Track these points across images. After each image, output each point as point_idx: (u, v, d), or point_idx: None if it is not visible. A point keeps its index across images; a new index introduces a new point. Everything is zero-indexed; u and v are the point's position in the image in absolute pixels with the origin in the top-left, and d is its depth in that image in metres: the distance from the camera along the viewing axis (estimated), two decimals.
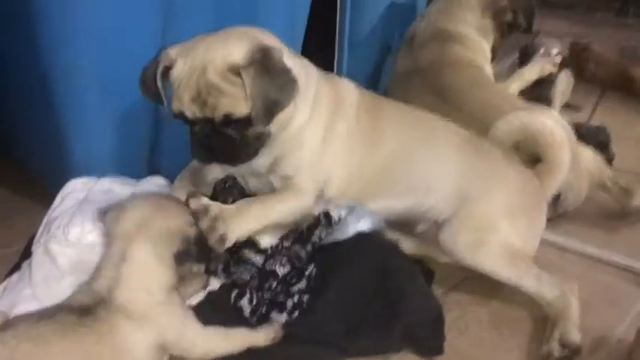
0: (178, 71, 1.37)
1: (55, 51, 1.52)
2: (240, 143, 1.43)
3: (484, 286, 1.59)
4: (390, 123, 1.70)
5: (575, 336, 1.42)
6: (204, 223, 1.38)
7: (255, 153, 1.47)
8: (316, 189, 1.57)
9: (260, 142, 1.46)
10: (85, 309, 1.15)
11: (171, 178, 1.70)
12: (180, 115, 1.41)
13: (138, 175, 1.73)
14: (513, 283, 1.55)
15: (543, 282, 1.53)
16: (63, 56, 1.52)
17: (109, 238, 1.28)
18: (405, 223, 1.72)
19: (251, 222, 1.46)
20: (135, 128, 1.74)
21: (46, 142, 1.77)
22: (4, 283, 1.41)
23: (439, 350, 1.42)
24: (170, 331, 1.22)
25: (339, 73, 2.32)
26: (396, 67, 2.42)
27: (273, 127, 1.46)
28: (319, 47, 2.25)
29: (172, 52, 1.39)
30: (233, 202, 1.54)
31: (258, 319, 1.39)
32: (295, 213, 1.53)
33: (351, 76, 2.05)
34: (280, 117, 1.44)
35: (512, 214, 1.62)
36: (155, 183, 1.68)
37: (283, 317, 1.37)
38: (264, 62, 1.36)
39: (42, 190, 1.86)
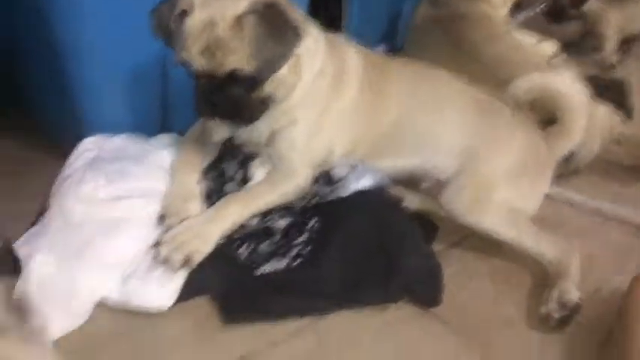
0: (192, 21, 1.35)
1: (65, 6, 1.54)
2: (243, 104, 1.43)
3: (486, 243, 1.60)
4: (395, 86, 1.70)
5: (573, 295, 1.44)
6: (166, 248, 1.39)
7: (256, 117, 1.46)
8: (312, 167, 1.59)
9: (264, 105, 1.47)
10: None
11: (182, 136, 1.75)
12: (187, 65, 1.39)
13: (150, 133, 1.78)
14: (513, 242, 1.56)
15: (542, 241, 1.54)
16: (73, 12, 1.54)
17: None
18: (409, 181, 1.75)
19: (228, 221, 1.47)
20: (146, 86, 1.77)
21: (59, 102, 1.83)
22: (24, 236, 1.50)
23: (436, 301, 1.45)
24: None
25: (347, 28, 2.31)
26: (416, 19, 2.41)
27: (277, 91, 1.46)
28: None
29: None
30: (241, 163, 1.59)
31: (255, 266, 1.44)
32: (287, 195, 1.55)
33: (362, 31, 2.05)
34: (284, 80, 1.45)
35: (515, 175, 1.63)
36: (165, 141, 1.73)
37: (283, 263, 1.42)
38: (265, 12, 1.34)
39: (56, 147, 1.91)
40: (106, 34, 1.61)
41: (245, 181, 1.61)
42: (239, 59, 1.35)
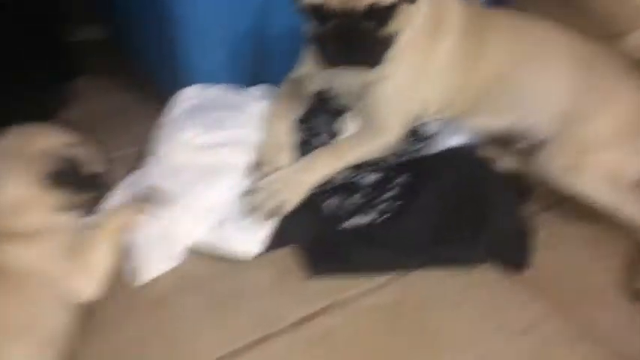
0: None
1: None
2: (374, 41, 1.41)
3: (580, 208, 1.54)
4: (495, 40, 1.62)
5: None
6: (260, 195, 1.43)
7: (382, 56, 1.44)
8: (404, 124, 1.56)
9: (389, 42, 1.44)
10: None
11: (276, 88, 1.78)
12: (317, 8, 1.37)
13: (245, 84, 1.82)
14: (611, 209, 1.48)
15: None
16: None
17: None
18: (503, 141, 1.69)
19: (319, 173, 1.49)
20: (246, 41, 1.81)
21: (162, 51, 1.90)
22: (128, 179, 1.60)
23: (523, 265, 1.42)
24: (52, 258, 1.18)
25: None
26: None
27: (399, 29, 1.44)
28: None
29: None
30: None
31: (341, 219, 1.46)
32: (377, 151, 1.55)
33: None
34: (404, 19, 1.43)
35: (622, 135, 1.52)
36: (259, 93, 1.77)
37: (369, 218, 1.44)
38: None
39: (155, 96, 2.01)
40: None
41: (334, 135, 1.63)
42: None
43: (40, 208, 1.20)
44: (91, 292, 1.22)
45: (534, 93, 1.60)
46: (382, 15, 1.38)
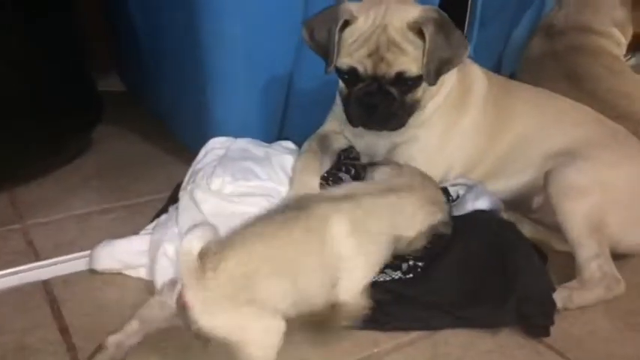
0: (359, 27, 1.45)
1: (211, 19, 1.65)
2: (398, 106, 1.49)
3: None
4: (518, 110, 1.70)
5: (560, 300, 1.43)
6: None
7: (405, 121, 1.52)
8: None
9: (413, 109, 1.53)
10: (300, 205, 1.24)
11: (297, 145, 1.81)
12: (349, 71, 1.47)
13: (268, 140, 1.85)
14: (571, 244, 1.51)
15: (595, 262, 1.47)
16: (219, 25, 1.65)
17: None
18: (521, 200, 1.72)
19: None
20: (271, 97, 1.86)
21: (189, 104, 1.95)
22: (154, 222, 1.59)
23: (546, 331, 1.41)
24: None
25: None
26: (530, 52, 2.41)
27: (424, 98, 1.53)
28: None
29: (353, 7, 1.46)
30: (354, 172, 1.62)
31: None
32: None
33: (476, 57, 2.07)
34: (430, 89, 1.52)
35: (631, 198, 1.56)
36: (285, 147, 1.79)
37: (397, 275, 1.43)
38: (440, 20, 1.44)
39: (177, 146, 2.08)
40: (245, 45, 1.71)
41: None
42: (408, 60, 1.44)
43: None
44: None
45: (553, 153, 1.64)
46: (409, 83, 1.47)
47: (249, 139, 1.77)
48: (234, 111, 1.81)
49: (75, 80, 2.00)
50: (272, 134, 1.91)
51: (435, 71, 1.45)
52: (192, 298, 1.05)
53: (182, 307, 1.06)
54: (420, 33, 1.43)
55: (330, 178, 1.66)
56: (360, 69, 1.46)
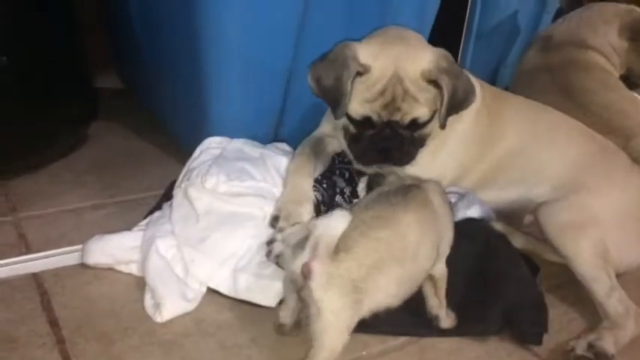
0: (373, 78, 1.45)
1: (209, 18, 1.65)
2: (410, 144, 1.53)
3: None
4: (510, 120, 1.72)
5: (608, 346, 1.38)
6: (279, 247, 1.43)
7: (416, 155, 1.56)
8: None
9: (423, 143, 1.56)
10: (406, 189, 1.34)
11: (292, 147, 1.82)
12: (363, 119, 1.49)
13: (264, 141, 1.86)
14: (584, 282, 1.50)
15: (614, 296, 1.46)
16: (216, 23, 1.65)
17: None
18: (512, 215, 1.74)
19: None
20: (267, 98, 1.86)
21: (185, 104, 1.95)
22: (148, 218, 1.59)
23: (538, 340, 1.42)
24: None
25: (462, 66, 2.34)
26: (523, 64, 2.42)
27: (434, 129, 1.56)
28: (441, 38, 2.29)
29: (362, 57, 1.45)
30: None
31: None
32: None
33: (473, 69, 2.09)
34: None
35: (623, 221, 1.58)
36: (280, 148, 1.80)
37: None
38: (452, 69, 1.48)
39: (173, 144, 2.08)
40: (242, 46, 1.70)
41: (354, 196, 1.65)
42: (422, 107, 1.47)
43: None
44: None
45: (545, 169, 1.67)
46: (420, 125, 1.51)
47: (244, 140, 1.78)
48: (231, 111, 1.81)
49: (71, 75, 1.99)
50: (268, 135, 1.92)
51: (448, 115, 1.50)
52: (319, 271, 1.10)
53: (305, 274, 1.11)
54: (433, 81, 1.46)
55: (323, 182, 1.67)
56: (375, 118, 1.48)
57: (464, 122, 1.66)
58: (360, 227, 1.19)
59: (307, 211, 1.55)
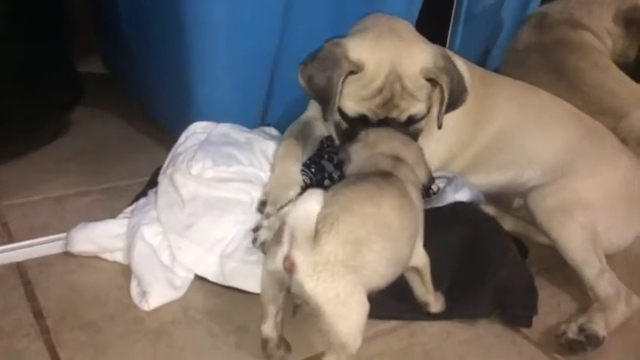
0: (369, 75, 1.43)
1: (194, 2, 1.61)
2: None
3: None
4: (499, 102, 1.71)
5: (599, 329, 1.37)
6: (265, 233, 1.41)
7: None
8: None
9: (417, 136, 1.54)
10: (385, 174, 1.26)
11: (280, 131, 1.81)
12: (358, 117, 1.46)
13: (250, 125, 1.83)
14: (574, 265, 1.51)
15: (604, 278, 1.46)
16: (202, 8, 1.61)
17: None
18: (501, 198, 1.73)
19: None
20: (253, 83, 1.83)
21: (171, 89, 1.91)
22: (133, 205, 1.57)
23: (527, 322, 1.42)
24: None
25: (451, 48, 2.32)
26: (516, 43, 2.40)
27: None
28: (429, 20, 2.26)
29: (354, 55, 1.42)
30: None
31: None
32: None
33: (462, 51, 2.07)
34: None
35: (611, 203, 1.58)
36: (267, 133, 1.78)
37: None
38: (449, 68, 1.48)
39: (158, 130, 2.05)
40: (226, 30, 1.67)
41: (339, 179, 1.63)
42: (420, 104, 1.46)
43: None
44: None
45: (533, 152, 1.67)
46: (415, 121, 1.50)
47: (231, 125, 1.75)
48: (217, 95, 1.77)
49: (55, 60, 1.95)
50: (254, 119, 1.89)
51: (446, 112, 1.50)
52: (302, 262, 1.02)
53: (288, 268, 1.03)
54: (432, 79, 1.45)
55: (312, 166, 1.65)
56: (371, 115, 1.46)
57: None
58: (341, 202, 1.10)
59: (295, 195, 1.53)
